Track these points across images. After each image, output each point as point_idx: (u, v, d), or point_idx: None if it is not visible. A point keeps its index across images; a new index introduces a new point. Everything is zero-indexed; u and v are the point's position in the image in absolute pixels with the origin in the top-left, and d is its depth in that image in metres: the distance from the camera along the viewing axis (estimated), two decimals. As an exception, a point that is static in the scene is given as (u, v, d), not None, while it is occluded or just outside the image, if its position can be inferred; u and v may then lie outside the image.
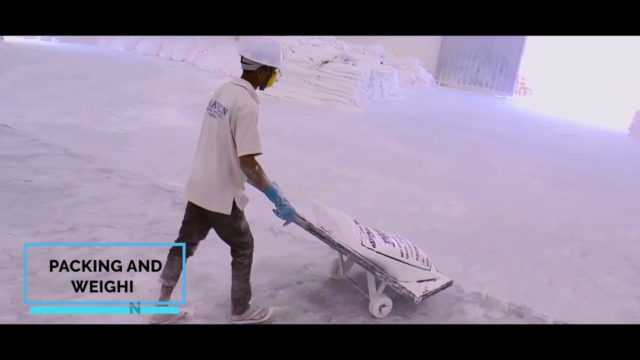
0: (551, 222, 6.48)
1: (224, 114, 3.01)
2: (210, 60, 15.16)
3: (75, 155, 6.47)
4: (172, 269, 3.30)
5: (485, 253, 5.25)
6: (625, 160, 11.26)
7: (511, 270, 4.96)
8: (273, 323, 3.50)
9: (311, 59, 12.03)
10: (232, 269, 3.34)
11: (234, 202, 3.13)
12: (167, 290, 3.31)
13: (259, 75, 3.12)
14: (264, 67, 3.10)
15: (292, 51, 12.42)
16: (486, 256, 5.15)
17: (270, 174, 3.20)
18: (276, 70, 3.17)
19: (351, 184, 6.81)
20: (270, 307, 3.57)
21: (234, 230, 3.23)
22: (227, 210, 3.12)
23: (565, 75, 25.09)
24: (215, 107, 3.10)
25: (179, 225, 4.11)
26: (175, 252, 3.33)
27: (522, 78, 24.77)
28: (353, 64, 12.24)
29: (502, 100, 18.47)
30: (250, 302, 3.45)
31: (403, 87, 16.76)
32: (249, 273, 3.36)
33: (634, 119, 15.02)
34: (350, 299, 3.97)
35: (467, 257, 5.09)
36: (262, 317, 3.47)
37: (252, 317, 3.43)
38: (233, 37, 20.08)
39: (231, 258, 3.36)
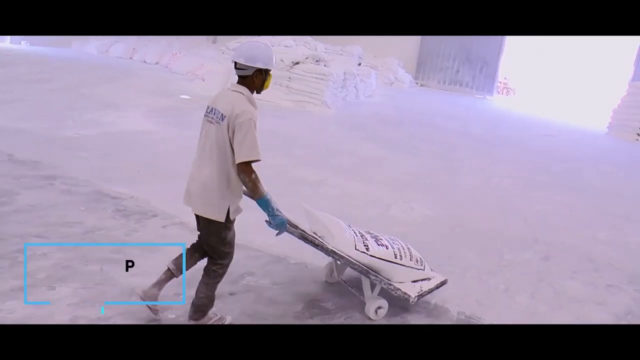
0: (516, 225, 6.28)
1: (222, 121, 3.01)
2: (184, 62, 14.89)
3: (19, 162, 6.18)
4: (187, 262, 3.38)
5: (442, 258, 5.03)
6: (602, 160, 11.11)
7: (467, 276, 4.74)
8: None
9: (282, 60, 11.79)
10: (204, 275, 3.31)
11: (228, 211, 3.13)
12: (168, 276, 3.35)
13: (255, 79, 3.12)
14: (259, 70, 3.10)
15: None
16: (442, 261, 4.92)
17: None
18: (270, 72, 3.17)
19: (310, 187, 6.58)
20: (228, 316, 3.51)
21: (220, 239, 3.23)
22: (221, 218, 3.12)
23: (550, 76, 25.11)
24: (212, 114, 3.09)
25: (117, 233, 4.40)
26: (196, 249, 3.41)
27: (505, 78, 24.71)
28: (325, 65, 12.03)
29: (482, 101, 18.33)
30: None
31: (381, 88, 16.56)
32: (218, 283, 3.34)
33: (612, 118, 14.94)
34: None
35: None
36: (220, 324, 3.44)
37: (210, 323, 3.40)
38: (210, 39, 19.81)
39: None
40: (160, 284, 3.35)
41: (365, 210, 6.02)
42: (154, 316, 3.37)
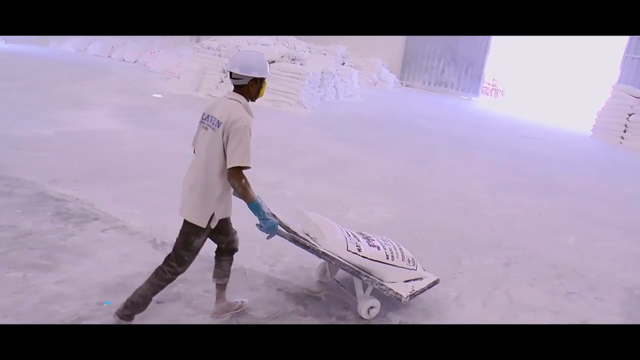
0: (481, 229, 6.07)
1: (218, 127, 3.06)
2: (161, 61, 14.63)
3: (-39, 162, 5.93)
4: (220, 269, 3.53)
5: (395, 264, 4.80)
6: (582, 163, 10.92)
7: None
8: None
9: (258, 59, 11.53)
10: (153, 273, 3.30)
11: (210, 218, 3.18)
12: (220, 288, 3.55)
13: (250, 88, 3.18)
14: (255, 79, 3.15)
15: (239, 50, 11.93)
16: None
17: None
18: (265, 79, 3.23)
19: (267, 188, 6.33)
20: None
21: (186, 243, 3.25)
22: (202, 224, 3.18)
23: (542, 78, 24.96)
24: (208, 120, 3.15)
25: (51, 238, 4.38)
26: (219, 254, 3.53)
27: (494, 80, 24.56)
28: (301, 64, 11.79)
29: (467, 102, 18.12)
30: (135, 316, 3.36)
31: (364, 88, 16.36)
32: (161, 287, 3.32)
33: (596, 120, 14.75)
34: (277, 309, 3.80)
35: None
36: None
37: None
38: (194, 37, 19.55)
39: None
40: (220, 296, 3.56)
41: (321, 212, 5.77)
42: (247, 311, 3.64)
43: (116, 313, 3.27)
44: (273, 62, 11.64)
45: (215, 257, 3.54)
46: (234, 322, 3.60)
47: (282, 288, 4.15)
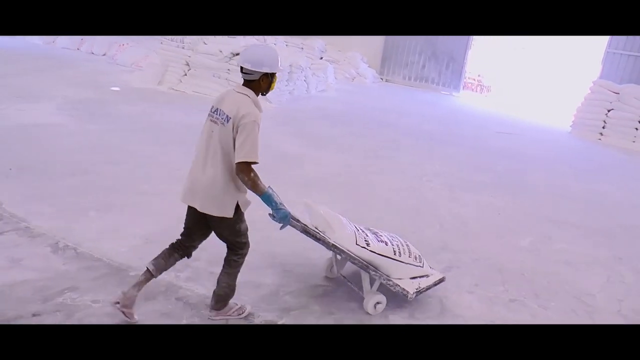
0: (429, 230, 5.68)
1: (227, 122, 3.06)
2: (129, 54, 14.12)
3: None
4: (166, 262, 3.38)
5: (320, 269, 4.40)
6: (555, 159, 10.55)
7: (341, 291, 4.13)
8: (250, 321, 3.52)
9: (220, 51, 11.10)
10: (225, 265, 3.41)
11: (237, 205, 3.21)
12: (147, 277, 3.32)
13: (261, 83, 3.18)
14: (265, 74, 3.15)
15: (205, 43, 11.50)
16: (317, 272, 4.30)
17: (114, 172, 3.46)
18: (276, 74, 3.21)
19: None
20: (248, 305, 3.62)
21: (235, 231, 3.31)
22: (230, 214, 3.19)
23: (531, 74, 24.56)
24: (217, 114, 3.14)
25: None
26: (176, 249, 3.42)
27: (479, 75, 24.16)
28: (267, 57, 11.32)
29: (447, 97, 17.70)
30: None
31: (341, 83, 15.92)
32: (239, 272, 3.44)
33: (575, 116, 14.40)
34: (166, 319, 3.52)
35: (285, 277, 4.29)
36: (240, 314, 3.54)
37: (230, 313, 3.52)
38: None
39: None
40: (139, 285, 3.31)
41: (255, 211, 5.36)
42: (129, 320, 3.29)
43: (211, 308, 3.48)
44: (237, 54, 11.17)
45: (169, 249, 3.42)
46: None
47: (182, 297, 3.74)
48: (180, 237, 3.46)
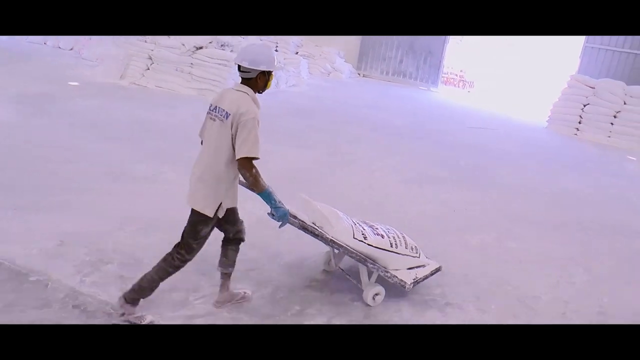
0: (373, 228, 5.40)
1: (226, 119, 3.10)
2: (95, 48, 13.76)
3: None
4: (226, 258, 3.56)
5: (241, 270, 4.12)
6: (527, 154, 10.31)
7: (260, 295, 3.86)
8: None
9: (183, 44, 10.79)
10: (162, 260, 3.32)
11: (217, 208, 3.21)
12: (225, 277, 3.59)
13: (258, 81, 3.23)
14: (262, 72, 3.20)
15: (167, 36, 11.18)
16: (237, 274, 4.02)
17: (46, 169, 3.26)
18: (272, 72, 3.27)
19: (138, 183, 5.65)
20: (149, 315, 3.37)
21: (194, 231, 3.27)
22: (210, 213, 3.20)
23: (515, 70, 24.37)
24: (216, 112, 3.18)
25: None
26: (226, 243, 3.57)
27: (461, 71, 23.95)
28: (231, 50, 11.04)
29: (425, 92, 17.46)
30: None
31: (316, 78, 15.67)
32: (169, 274, 3.32)
33: (552, 111, 14.21)
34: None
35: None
36: (140, 322, 3.32)
37: (131, 317, 3.31)
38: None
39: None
40: (224, 287, 3.58)
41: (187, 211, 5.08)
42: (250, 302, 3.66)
43: (122, 295, 3.30)
44: (200, 48, 10.88)
45: (222, 246, 3.57)
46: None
47: (80, 304, 3.45)
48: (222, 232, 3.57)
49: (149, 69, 11.22)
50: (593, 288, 4.81)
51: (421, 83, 18.17)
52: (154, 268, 3.32)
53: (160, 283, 3.33)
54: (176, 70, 10.88)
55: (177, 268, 3.32)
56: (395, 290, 4.14)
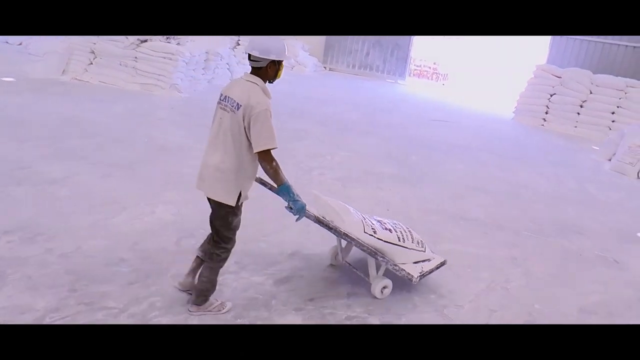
0: (285, 232, 4.87)
1: (237, 110, 3.08)
2: (44, 42, 13.11)
3: None
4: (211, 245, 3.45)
5: (131, 277, 3.64)
6: (485, 148, 9.91)
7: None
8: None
9: (127, 37, 10.22)
10: (208, 259, 3.39)
11: (239, 196, 3.20)
12: (198, 263, 3.54)
13: (268, 70, 3.19)
14: (272, 61, 3.16)
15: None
16: (135, 279, 3.53)
17: None
18: (283, 61, 3.24)
19: (45, 185, 5.13)
20: (228, 302, 3.50)
21: (226, 223, 3.28)
22: (232, 202, 3.19)
23: (489, 61, 24.04)
24: (226, 101, 3.16)
25: None
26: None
27: (434, 63, 23.56)
28: (178, 43, 10.49)
29: (391, 85, 17.02)
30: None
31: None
32: (221, 267, 3.40)
33: (518, 102, 13.87)
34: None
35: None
36: (220, 310, 3.42)
37: (210, 309, 3.40)
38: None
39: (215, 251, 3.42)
40: (193, 271, 3.54)
41: (87, 215, 4.56)
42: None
43: (192, 304, 3.36)
44: (145, 41, 10.32)
45: (210, 235, 3.47)
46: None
47: None
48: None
49: (92, 63, 10.64)
50: (527, 293, 4.38)
51: (388, 76, 17.75)
52: (205, 271, 3.36)
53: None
54: (120, 64, 10.31)
55: (226, 259, 3.40)
56: (292, 301, 3.67)
